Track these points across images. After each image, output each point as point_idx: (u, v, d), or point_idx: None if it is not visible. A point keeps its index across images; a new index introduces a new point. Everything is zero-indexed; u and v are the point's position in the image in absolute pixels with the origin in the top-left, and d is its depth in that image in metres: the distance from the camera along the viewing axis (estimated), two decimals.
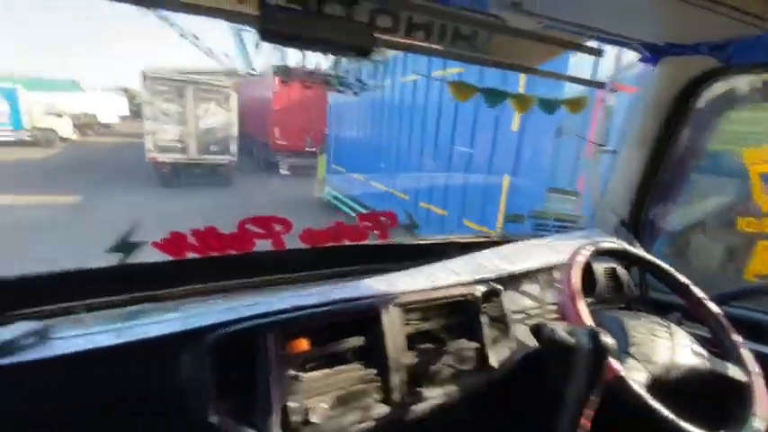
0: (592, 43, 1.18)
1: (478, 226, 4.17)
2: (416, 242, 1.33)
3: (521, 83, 3.31)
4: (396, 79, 5.69)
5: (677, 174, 1.27)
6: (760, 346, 1.00)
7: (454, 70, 4.28)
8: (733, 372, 0.85)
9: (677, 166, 1.26)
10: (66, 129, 15.91)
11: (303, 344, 0.79)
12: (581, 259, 0.94)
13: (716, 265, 1.31)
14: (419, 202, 5.15)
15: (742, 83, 1.07)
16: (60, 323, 0.73)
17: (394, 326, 0.85)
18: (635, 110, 1.28)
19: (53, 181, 8.93)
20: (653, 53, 1.13)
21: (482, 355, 0.94)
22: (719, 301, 1.01)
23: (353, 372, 0.80)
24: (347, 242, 1.21)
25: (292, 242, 1.14)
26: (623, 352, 0.83)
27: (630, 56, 1.20)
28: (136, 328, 0.72)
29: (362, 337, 0.82)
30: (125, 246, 0.92)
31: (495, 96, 1.08)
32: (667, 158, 1.28)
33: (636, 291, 1.29)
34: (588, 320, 0.79)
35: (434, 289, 0.94)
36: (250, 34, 0.88)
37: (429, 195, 4.99)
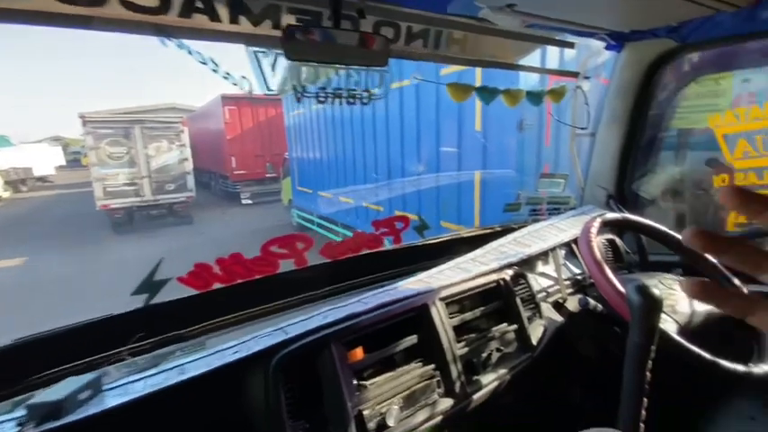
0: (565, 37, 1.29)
1: (456, 225, 4.28)
2: (428, 242, 1.36)
3: (477, 78, 3.50)
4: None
5: (652, 147, 1.40)
6: (751, 286, 1.12)
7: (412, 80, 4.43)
8: None
9: (651, 140, 1.39)
10: None
11: (359, 352, 0.79)
12: (594, 231, 1.01)
13: (701, 223, 1.46)
14: (393, 210, 5.21)
15: (697, 60, 1.22)
16: (108, 372, 0.69)
17: (441, 320, 0.87)
18: (608, 94, 1.41)
19: None
20: (617, 41, 1.25)
21: (523, 336, 0.98)
22: None
23: (413, 370, 0.81)
24: (366, 251, 1.22)
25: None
26: None
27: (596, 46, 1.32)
28: (191, 363, 0.69)
29: (414, 336, 0.83)
30: (151, 285, 0.88)
31: (488, 93, 1.16)
32: (640, 134, 1.42)
33: (633, 256, 1.40)
34: (619, 285, 0.86)
35: (470, 279, 0.98)
36: (267, 57, 0.87)
37: (403, 203, 5.06)
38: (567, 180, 1.54)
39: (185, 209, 9.82)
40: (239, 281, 1.00)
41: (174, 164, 9.53)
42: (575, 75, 1.38)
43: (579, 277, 1.30)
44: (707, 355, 0.79)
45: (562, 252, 1.38)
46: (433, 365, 0.82)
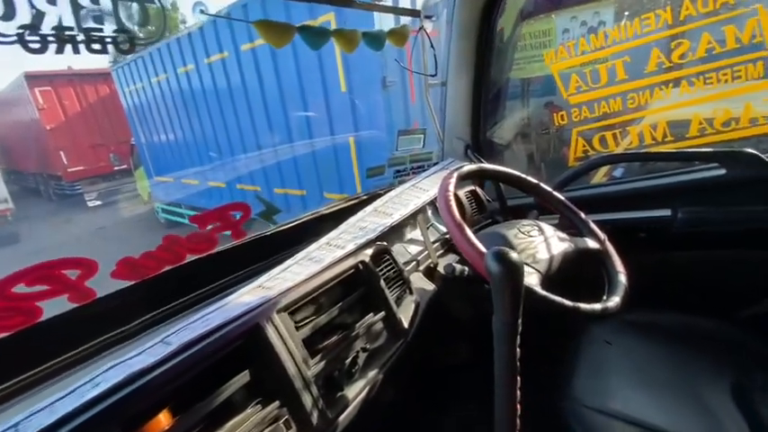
0: None
1: (340, 195, 4.11)
2: (280, 229, 1.12)
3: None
4: (200, 62, 4.95)
5: (501, 92, 1.36)
6: (596, 216, 1.18)
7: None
8: (591, 243, 0.97)
9: (499, 85, 1.35)
10: None
11: (162, 420, 0.55)
12: (451, 188, 0.90)
13: (549, 161, 1.53)
14: (272, 189, 4.78)
15: None
16: None
17: (283, 339, 0.66)
18: (452, 37, 1.31)
19: None
20: None
21: (393, 323, 0.84)
22: (558, 189, 1.14)
23: (250, 418, 0.59)
24: (192, 257, 0.93)
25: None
26: None
27: None
28: None
29: (246, 372, 0.62)
30: None
31: (316, 36, 0.93)
32: (487, 79, 1.37)
33: (495, 204, 1.39)
34: (480, 246, 0.76)
35: (320, 272, 0.78)
36: None
37: (281, 180, 4.66)
38: (426, 134, 1.44)
39: (2, 225, 7.66)
40: None
41: None
42: (417, 13, 1.24)
43: (448, 236, 1.23)
44: (568, 303, 0.75)
45: (429, 212, 1.29)
46: (277, 403, 0.62)
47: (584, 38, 1.26)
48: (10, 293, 0.68)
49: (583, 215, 1.04)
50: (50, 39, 0.61)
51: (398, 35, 1.11)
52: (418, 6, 1.50)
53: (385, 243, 0.96)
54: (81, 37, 0.64)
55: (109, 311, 0.78)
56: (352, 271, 0.83)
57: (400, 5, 2.84)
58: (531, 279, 0.81)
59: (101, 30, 0.66)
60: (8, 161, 11.61)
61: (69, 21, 0.65)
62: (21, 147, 10.38)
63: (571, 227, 1.05)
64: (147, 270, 0.87)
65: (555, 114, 1.37)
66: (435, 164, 1.47)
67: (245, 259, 0.97)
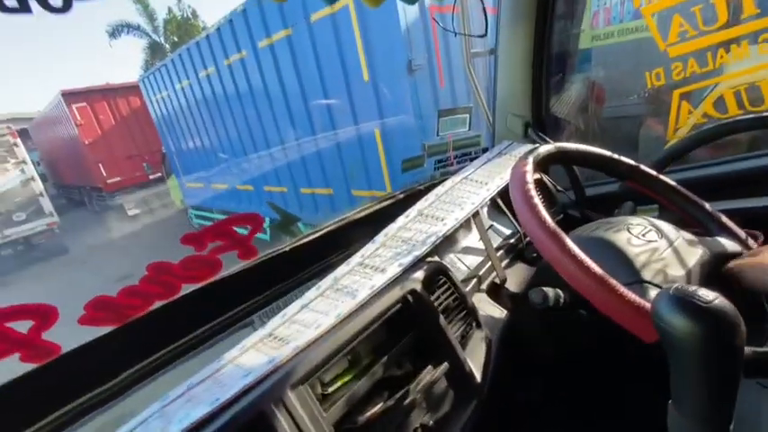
0: None
1: (368, 192, 3.89)
2: (304, 241, 0.90)
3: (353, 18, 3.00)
4: (220, 64, 4.86)
5: (568, 58, 1.07)
6: (720, 204, 0.87)
7: (281, 34, 3.75)
8: (729, 246, 0.68)
9: (565, 52, 1.06)
10: None
11: None
12: (529, 178, 0.64)
13: (637, 137, 1.22)
14: (299, 189, 4.63)
15: None
16: None
17: (302, 427, 0.43)
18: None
19: None
20: None
21: (461, 375, 0.59)
22: (657, 170, 0.84)
23: None
24: (190, 286, 0.72)
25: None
26: (637, 282, 0.58)
27: None
28: None
29: None
30: None
31: None
32: (550, 45, 1.08)
33: (565, 194, 1.11)
34: (637, 298, 0.48)
35: (355, 312, 0.55)
36: None
37: (307, 179, 4.49)
38: (472, 113, 1.17)
39: (50, 238, 8.03)
40: None
41: (15, 188, 7.60)
42: None
43: (513, 240, 0.97)
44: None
45: (484, 210, 1.03)
46: None
47: None
48: None
49: (707, 205, 0.76)
50: None
51: None
52: None
53: (437, 259, 0.72)
54: None
55: (76, 371, 0.58)
56: (399, 305, 0.59)
57: None
58: None
59: None
60: (56, 176, 12.35)
61: None
62: (65, 162, 10.95)
63: (690, 223, 0.77)
64: (129, 310, 0.67)
65: (648, 74, 1.05)
66: (486, 149, 1.20)
67: (257, 284, 0.75)
